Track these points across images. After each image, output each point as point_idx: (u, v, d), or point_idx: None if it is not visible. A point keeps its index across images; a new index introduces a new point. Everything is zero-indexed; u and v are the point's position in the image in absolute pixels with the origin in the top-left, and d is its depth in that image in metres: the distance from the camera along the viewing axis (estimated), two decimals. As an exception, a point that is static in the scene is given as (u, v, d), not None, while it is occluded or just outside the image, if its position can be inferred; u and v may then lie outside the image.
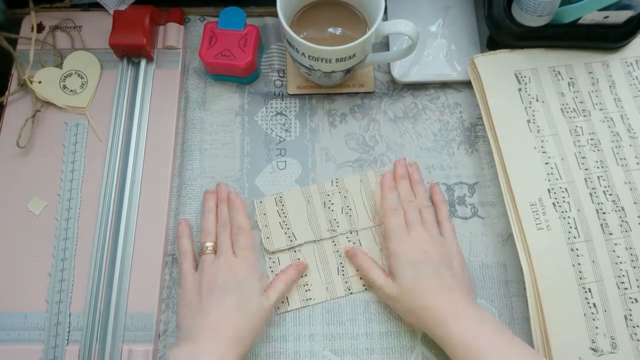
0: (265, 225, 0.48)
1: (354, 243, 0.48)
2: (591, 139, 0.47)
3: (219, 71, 0.52)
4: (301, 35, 0.46)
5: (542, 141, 0.47)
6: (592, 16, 0.47)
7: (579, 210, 0.44)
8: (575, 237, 0.43)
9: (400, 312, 0.44)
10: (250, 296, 0.42)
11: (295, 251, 0.47)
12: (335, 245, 0.47)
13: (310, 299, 0.46)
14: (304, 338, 0.45)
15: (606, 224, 0.44)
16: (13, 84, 0.51)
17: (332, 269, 0.47)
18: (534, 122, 0.47)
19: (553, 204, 0.44)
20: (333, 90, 0.53)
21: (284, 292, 0.45)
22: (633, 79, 0.49)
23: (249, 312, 0.42)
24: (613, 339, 0.41)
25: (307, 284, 0.47)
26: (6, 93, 0.51)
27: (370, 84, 0.53)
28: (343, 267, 0.47)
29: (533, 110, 0.48)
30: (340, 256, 0.47)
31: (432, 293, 0.41)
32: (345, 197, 0.49)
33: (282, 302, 0.46)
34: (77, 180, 0.49)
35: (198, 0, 0.55)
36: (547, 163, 0.46)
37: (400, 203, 0.46)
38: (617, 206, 0.44)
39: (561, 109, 0.48)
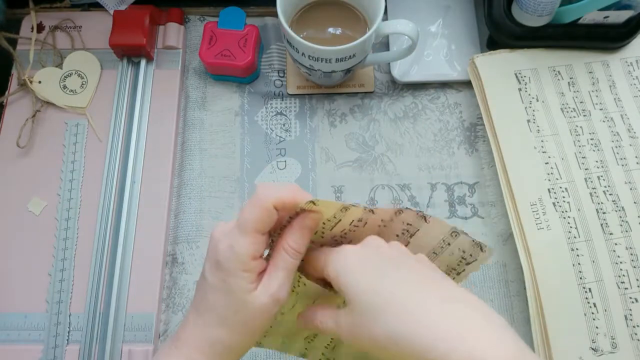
0: None
1: None
2: (591, 139, 0.47)
3: (219, 71, 0.52)
4: (301, 35, 0.46)
5: (542, 141, 0.47)
6: (592, 16, 0.47)
7: (579, 210, 0.44)
8: (575, 237, 0.43)
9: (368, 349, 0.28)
10: (226, 291, 0.29)
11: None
12: None
13: (260, 343, 0.36)
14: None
15: (606, 223, 0.44)
16: (13, 84, 0.51)
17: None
18: (534, 122, 0.47)
19: (553, 203, 0.44)
20: (333, 90, 0.53)
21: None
22: (633, 79, 0.49)
23: (230, 320, 0.29)
24: (613, 339, 0.41)
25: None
26: (6, 93, 0.51)
27: (370, 84, 0.53)
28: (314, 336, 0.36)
29: (533, 110, 0.48)
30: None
31: (414, 301, 0.26)
32: None
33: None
34: (77, 180, 0.49)
35: (198, 0, 0.55)
36: (547, 163, 0.46)
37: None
38: (617, 206, 0.44)
39: (561, 108, 0.48)
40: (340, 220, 0.30)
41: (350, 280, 0.28)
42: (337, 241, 0.33)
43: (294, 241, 0.29)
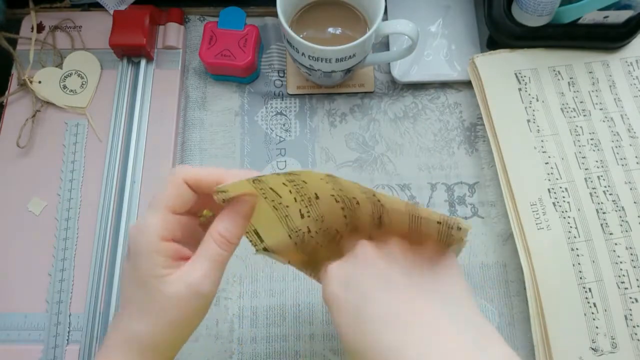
0: None
1: None
2: (591, 139, 0.47)
3: (219, 71, 0.52)
4: (301, 35, 0.46)
5: (542, 141, 0.47)
6: (592, 16, 0.47)
7: (579, 210, 0.44)
8: (575, 237, 0.43)
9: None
10: (138, 277, 0.26)
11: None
12: None
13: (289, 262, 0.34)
14: (304, 338, 0.45)
15: (606, 223, 0.44)
16: (13, 84, 0.51)
17: None
18: (534, 122, 0.47)
19: (553, 203, 0.44)
20: (333, 90, 0.53)
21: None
22: (633, 78, 0.49)
23: (144, 311, 0.26)
24: (613, 339, 0.41)
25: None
26: (6, 93, 0.51)
27: (370, 83, 0.53)
28: None
29: (533, 110, 0.48)
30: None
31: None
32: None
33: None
34: (77, 180, 0.49)
35: (198, 0, 0.55)
36: (547, 163, 0.46)
37: None
38: (617, 206, 0.44)
39: (561, 108, 0.48)
40: (282, 197, 0.27)
41: (336, 320, 0.27)
42: (307, 215, 0.30)
43: (224, 228, 0.26)
